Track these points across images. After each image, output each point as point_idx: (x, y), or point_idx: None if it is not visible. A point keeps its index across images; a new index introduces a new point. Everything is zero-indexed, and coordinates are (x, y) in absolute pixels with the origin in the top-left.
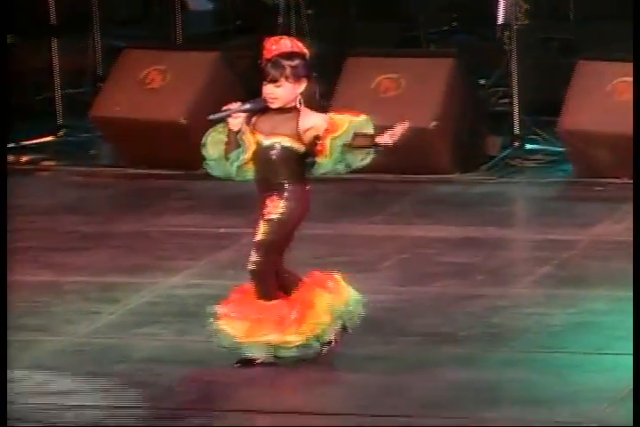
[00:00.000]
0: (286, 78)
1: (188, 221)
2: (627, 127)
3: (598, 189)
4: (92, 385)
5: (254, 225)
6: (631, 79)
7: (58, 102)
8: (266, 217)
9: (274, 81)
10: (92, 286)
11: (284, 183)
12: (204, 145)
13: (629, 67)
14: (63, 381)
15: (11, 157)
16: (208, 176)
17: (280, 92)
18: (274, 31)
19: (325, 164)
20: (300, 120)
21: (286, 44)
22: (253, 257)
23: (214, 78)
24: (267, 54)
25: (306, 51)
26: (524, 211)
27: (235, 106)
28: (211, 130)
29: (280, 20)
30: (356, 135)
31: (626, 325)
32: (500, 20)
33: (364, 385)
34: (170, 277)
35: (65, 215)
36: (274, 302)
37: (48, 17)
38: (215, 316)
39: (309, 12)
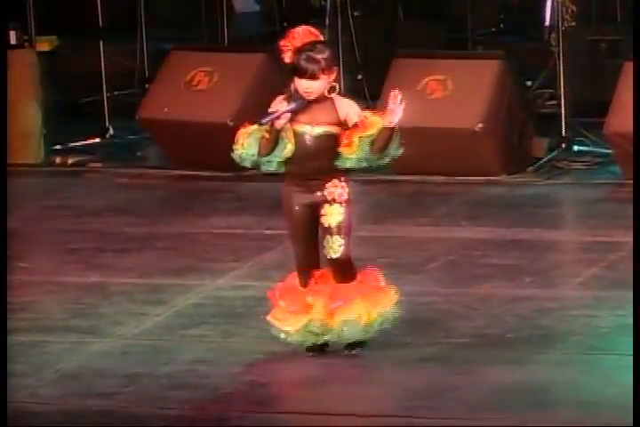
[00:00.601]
0: (322, 71)
1: (234, 222)
2: None
3: None
4: (138, 386)
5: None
6: None
7: (105, 104)
8: (338, 199)
9: (312, 76)
10: (139, 287)
11: (339, 168)
12: (241, 138)
13: None
14: (109, 382)
15: (58, 159)
16: (255, 178)
17: (317, 85)
18: (320, 32)
19: (351, 159)
20: (338, 107)
21: (300, 32)
22: (339, 241)
23: (261, 80)
24: (286, 47)
25: (321, 36)
26: (571, 213)
27: (281, 106)
28: (251, 126)
29: (327, 21)
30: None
31: None
32: (547, 21)
33: (411, 387)
34: (216, 279)
35: (112, 217)
36: (354, 282)
37: (95, 19)
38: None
39: (356, 13)
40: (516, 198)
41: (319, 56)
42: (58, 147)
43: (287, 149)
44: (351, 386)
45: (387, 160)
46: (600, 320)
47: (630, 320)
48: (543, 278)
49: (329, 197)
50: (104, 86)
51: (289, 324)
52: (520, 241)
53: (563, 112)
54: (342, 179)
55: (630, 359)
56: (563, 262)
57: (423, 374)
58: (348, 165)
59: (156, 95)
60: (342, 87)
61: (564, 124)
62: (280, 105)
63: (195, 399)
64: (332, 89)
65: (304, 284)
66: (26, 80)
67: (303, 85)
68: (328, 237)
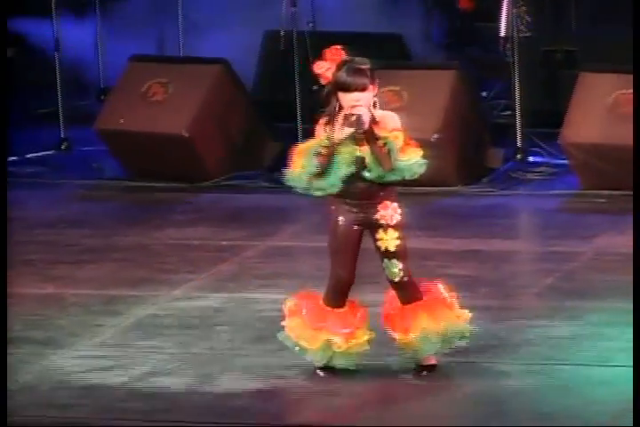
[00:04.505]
0: (370, 82)
1: (190, 233)
2: (628, 139)
3: (601, 200)
4: (95, 398)
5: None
6: (632, 91)
7: (61, 115)
8: (390, 223)
9: (362, 88)
10: (95, 298)
11: (388, 188)
12: (298, 157)
13: (631, 79)
14: (66, 393)
15: (14, 170)
16: (211, 189)
17: (366, 97)
18: (276, 42)
19: (370, 173)
20: (383, 124)
21: (334, 50)
22: (397, 266)
23: (216, 91)
24: (323, 68)
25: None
26: (527, 223)
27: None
28: (307, 144)
29: (281, 32)
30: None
31: (629, 336)
32: (503, 32)
33: (367, 397)
34: (172, 290)
35: (68, 228)
36: (421, 301)
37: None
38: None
39: (311, 24)
40: (472, 209)
41: (364, 67)
42: (14, 158)
43: (342, 170)
44: (314, 397)
45: (403, 174)
46: (557, 330)
47: (585, 330)
48: (499, 289)
49: (381, 221)
50: (59, 97)
51: (338, 343)
52: (476, 251)
53: (518, 123)
54: (392, 199)
55: (585, 369)
56: (519, 273)
57: (379, 384)
58: (370, 178)
59: (112, 106)
60: (299, 98)
61: (519, 134)
62: (339, 129)
63: (151, 411)
64: (374, 104)
65: (336, 304)
66: None
67: (352, 98)
68: (386, 260)
